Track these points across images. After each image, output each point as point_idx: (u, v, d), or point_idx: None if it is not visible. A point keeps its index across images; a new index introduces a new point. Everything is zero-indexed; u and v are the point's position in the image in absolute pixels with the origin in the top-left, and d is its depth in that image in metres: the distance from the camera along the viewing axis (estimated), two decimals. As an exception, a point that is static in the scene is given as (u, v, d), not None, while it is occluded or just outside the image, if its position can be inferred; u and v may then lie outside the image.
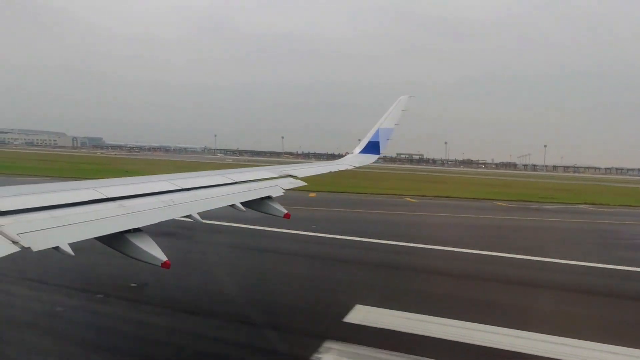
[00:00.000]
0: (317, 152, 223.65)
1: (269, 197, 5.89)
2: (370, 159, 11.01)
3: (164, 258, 3.78)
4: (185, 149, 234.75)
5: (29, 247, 3.04)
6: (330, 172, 8.95)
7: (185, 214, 4.53)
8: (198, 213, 4.62)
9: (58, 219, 3.51)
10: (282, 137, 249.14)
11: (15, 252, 2.96)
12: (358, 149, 11.39)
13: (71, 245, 3.29)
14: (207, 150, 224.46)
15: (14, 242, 3.00)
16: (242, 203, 5.37)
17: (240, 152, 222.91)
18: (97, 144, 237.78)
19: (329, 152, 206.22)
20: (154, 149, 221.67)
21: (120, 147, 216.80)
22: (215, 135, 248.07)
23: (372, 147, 11.28)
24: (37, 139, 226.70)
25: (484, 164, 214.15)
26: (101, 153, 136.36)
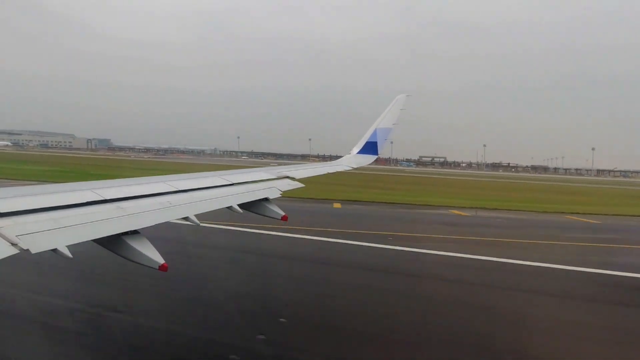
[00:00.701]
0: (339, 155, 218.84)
1: (266, 199, 5.90)
2: (368, 159, 11.01)
3: (161, 261, 3.80)
4: (194, 150, 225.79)
5: (28, 249, 3.07)
6: (328, 173, 8.96)
7: (182, 216, 4.55)
8: (195, 215, 4.64)
9: (56, 220, 3.53)
10: (310, 139, 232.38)
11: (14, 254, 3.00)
12: (356, 149, 11.38)
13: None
14: (227, 153, 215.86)
15: (13, 244, 3.03)
16: (239, 205, 5.39)
17: (264, 155, 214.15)
18: (105, 145, 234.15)
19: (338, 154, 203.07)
20: (172, 150, 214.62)
21: (129, 149, 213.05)
22: (239, 137, 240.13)
23: (370, 148, 11.27)
24: (51, 141, 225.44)
25: (516, 167, 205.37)
26: (134, 156, 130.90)
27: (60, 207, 3.73)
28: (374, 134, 11.26)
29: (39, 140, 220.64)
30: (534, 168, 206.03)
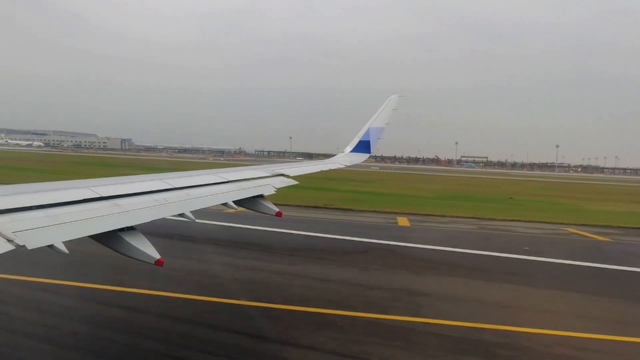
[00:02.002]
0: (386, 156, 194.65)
1: (261, 196, 5.97)
2: (361, 157, 11.13)
3: (157, 256, 3.85)
4: (217, 150, 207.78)
5: (24, 246, 3.10)
6: (322, 170, 9.05)
7: (178, 213, 4.60)
8: (191, 211, 4.69)
9: (53, 217, 3.57)
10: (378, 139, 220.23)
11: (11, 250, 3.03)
12: (349, 147, 11.50)
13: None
14: (279, 154, 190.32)
15: (9, 241, 3.06)
16: (234, 201, 5.45)
17: (317, 156, 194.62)
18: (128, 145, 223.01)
19: (411, 156, 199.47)
20: (196, 151, 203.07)
21: (152, 149, 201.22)
22: (291, 138, 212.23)
23: (363, 146, 11.40)
24: (84, 141, 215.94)
25: (567, 166, 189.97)
26: (171, 157, 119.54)
27: (57, 204, 3.77)
28: (367, 133, 11.39)
29: (71, 141, 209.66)
30: (585, 168, 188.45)
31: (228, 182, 5.92)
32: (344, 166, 10.23)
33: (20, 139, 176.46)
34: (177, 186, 5.10)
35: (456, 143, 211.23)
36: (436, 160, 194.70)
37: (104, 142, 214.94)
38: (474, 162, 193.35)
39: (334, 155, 11.93)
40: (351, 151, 11.32)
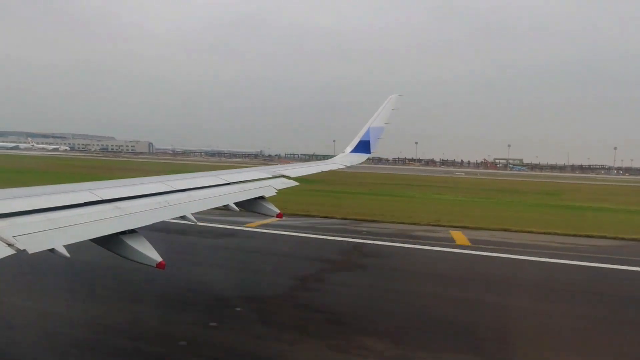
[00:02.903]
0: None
1: (262, 197, 5.96)
2: (360, 158, 11.11)
3: (158, 259, 3.83)
4: (238, 153, 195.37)
5: (25, 250, 3.07)
6: (322, 171, 9.04)
7: (179, 215, 4.58)
8: (192, 214, 4.67)
9: (54, 221, 3.54)
10: (416, 143, 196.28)
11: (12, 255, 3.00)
12: (349, 148, 11.48)
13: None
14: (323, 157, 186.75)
15: (9, 245, 3.03)
16: (235, 203, 5.43)
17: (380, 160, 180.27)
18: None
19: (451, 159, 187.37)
20: (217, 154, 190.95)
21: (171, 152, 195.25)
22: (334, 141, 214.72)
23: (363, 147, 11.37)
24: (111, 145, 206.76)
25: (607, 168, 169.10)
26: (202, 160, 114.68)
27: (57, 207, 3.74)
28: (367, 133, 11.36)
29: (97, 144, 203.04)
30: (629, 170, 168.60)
31: (229, 183, 5.91)
32: (344, 167, 10.22)
33: (43, 143, 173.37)
34: (178, 188, 5.08)
35: (509, 146, 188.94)
36: (484, 164, 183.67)
37: (132, 146, 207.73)
38: (521, 164, 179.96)
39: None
40: (351, 151, 11.29)
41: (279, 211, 5.93)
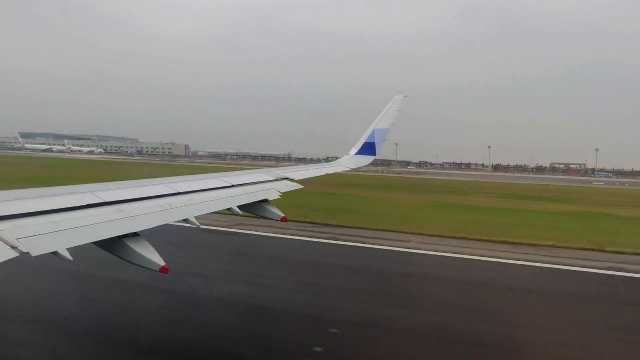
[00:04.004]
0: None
1: (265, 201, 5.91)
2: (366, 160, 11.01)
3: (161, 263, 3.80)
4: (266, 156, 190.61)
5: (28, 252, 3.06)
6: (327, 174, 8.97)
7: (182, 218, 4.55)
8: (195, 217, 4.64)
9: (56, 223, 3.54)
10: (489, 147, 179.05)
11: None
12: (354, 149, 11.38)
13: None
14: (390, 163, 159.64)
15: (13, 247, 3.03)
16: (238, 206, 5.39)
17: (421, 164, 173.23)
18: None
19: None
20: (246, 156, 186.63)
21: (210, 155, 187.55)
22: (397, 144, 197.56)
23: (368, 148, 11.27)
24: (146, 147, 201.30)
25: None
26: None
27: (60, 210, 3.73)
28: (372, 134, 11.26)
29: (130, 146, 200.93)
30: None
31: (232, 186, 5.87)
32: (348, 169, 10.13)
33: (78, 145, 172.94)
34: (181, 191, 5.06)
35: (596, 150, 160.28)
36: (567, 170, 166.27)
37: (168, 148, 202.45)
38: (611, 171, 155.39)
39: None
40: (356, 153, 11.19)
41: (283, 215, 5.85)
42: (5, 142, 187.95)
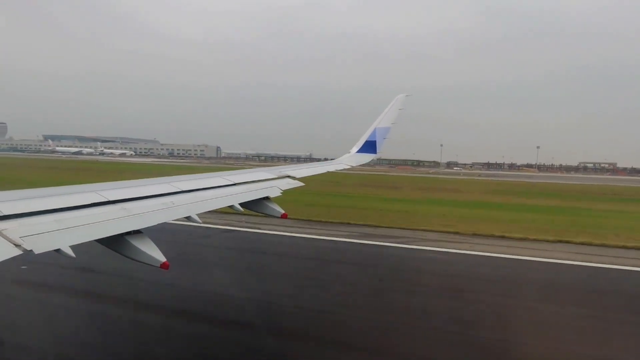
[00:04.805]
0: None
1: (266, 198, 5.97)
2: (366, 158, 11.07)
3: (162, 259, 3.85)
4: (287, 157, 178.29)
5: (31, 250, 3.12)
6: (328, 172, 9.03)
7: (185, 215, 4.61)
8: (197, 214, 4.70)
9: (60, 222, 3.59)
10: (538, 148, 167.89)
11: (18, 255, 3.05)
12: (355, 148, 11.44)
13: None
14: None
15: (17, 245, 3.08)
16: (240, 204, 5.45)
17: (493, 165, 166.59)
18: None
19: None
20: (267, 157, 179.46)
21: (244, 156, 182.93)
22: (442, 145, 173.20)
23: (369, 147, 11.33)
24: (177, 149, 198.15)
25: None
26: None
27: (64, 208, 3.79)
28: (374, 133, 11.31)
29: (160, 148, 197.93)
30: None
31: (234, 184, 5.94)
32: (349, 167, 10.20)
33: (111, 148, 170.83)
34: (184, 189, 5.12)
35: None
36: (614, 170, 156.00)
37: (201, 150, 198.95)
38: None
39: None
40: (357, 151, 11.26)
41: (283, 211, 5.93)
42: (31, 145, 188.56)
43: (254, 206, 5.83)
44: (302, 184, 7.18)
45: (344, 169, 9.95)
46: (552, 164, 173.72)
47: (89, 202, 4.04)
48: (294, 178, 7.23)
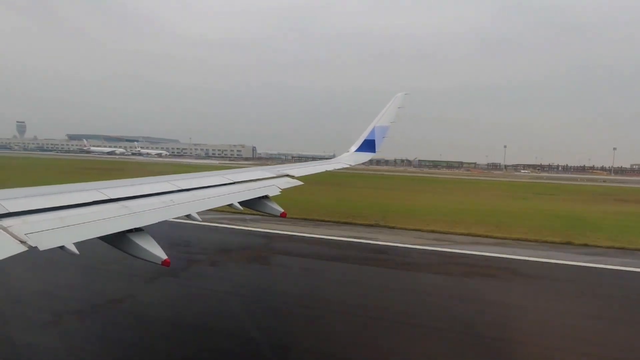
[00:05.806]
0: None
1: (266, 197, 6.05)
2: (365, 157, 11.15)
3: (164, 256, 3.94)
4: (309, 157, 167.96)
5: (36, 247, 3.21)
6: (327, 171, 9.10)
7: (184, 214, 4.70)
8: (197, 212, 4.79)
9: (63, 219, 3.68)
10: (614, 149, 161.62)
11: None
12: (354, 147, 11.51)
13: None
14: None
15: (22, 242, 3.17)
16: (239, 202, 5.53)
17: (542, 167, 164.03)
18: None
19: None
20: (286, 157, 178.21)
21: (285, 157, 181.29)
22: (506, 146, 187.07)
23: (368, 146, 11.40)
24: (212, 149, 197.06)
25: None
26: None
27: (67, 206, 3.88)
28: (372, 132, 11.38)
29: (195, 148, 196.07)
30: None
31: (234, 183, 6.02)
32: (348, 165, 10.27)
33: (149, 148, 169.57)
34: (184, 188, 5.20)
35: None
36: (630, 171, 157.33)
37: (238, 150, 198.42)
38: None
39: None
40: (356, 150, 11.33)
41: (282, 210, 6.01)
42: (57, 145, 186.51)
43: (253, 205, 5.91)
44: (301, 182, 7.26)
45: (343, 168, 10.02)
46: (621, 166, 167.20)
47: (91, 200, 4.13)
48: (292, 177, 7.31)
